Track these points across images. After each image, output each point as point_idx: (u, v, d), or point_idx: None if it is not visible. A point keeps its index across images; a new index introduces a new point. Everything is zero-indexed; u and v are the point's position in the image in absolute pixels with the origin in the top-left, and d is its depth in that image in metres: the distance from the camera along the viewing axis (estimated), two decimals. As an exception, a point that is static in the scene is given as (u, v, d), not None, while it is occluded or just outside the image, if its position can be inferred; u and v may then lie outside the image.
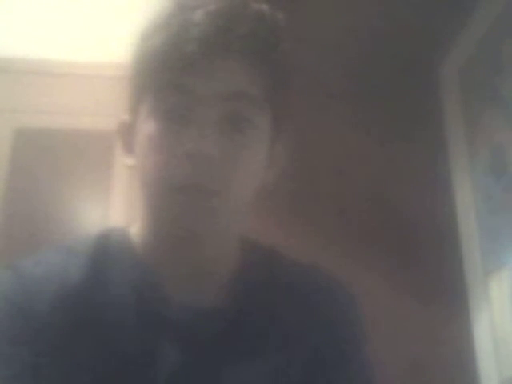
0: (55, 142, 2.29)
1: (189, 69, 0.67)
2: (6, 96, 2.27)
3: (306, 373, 0.72)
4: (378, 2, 1.53)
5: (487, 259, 1.50)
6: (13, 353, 0.67)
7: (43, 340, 0.67)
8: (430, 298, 1.53)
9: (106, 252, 0.74)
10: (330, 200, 1.64)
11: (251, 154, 0.70)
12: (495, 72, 1.49)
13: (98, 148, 2.20)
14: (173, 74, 0.68)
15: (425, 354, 1.50)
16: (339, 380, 0.74)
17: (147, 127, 0.69)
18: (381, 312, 1.40)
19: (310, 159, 1.65)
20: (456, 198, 1.65)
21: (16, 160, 2.27)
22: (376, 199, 1.64)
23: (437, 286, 1.54)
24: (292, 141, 0.81)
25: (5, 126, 2.28)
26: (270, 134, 0.73)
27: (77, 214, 2.29)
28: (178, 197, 0.66)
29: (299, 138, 1.64)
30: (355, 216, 1.63)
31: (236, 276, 0.74)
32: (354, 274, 1.41)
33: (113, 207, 2.18)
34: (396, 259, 1.57)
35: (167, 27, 0.69)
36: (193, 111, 0.67)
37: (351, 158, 1.68)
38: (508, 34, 1.45)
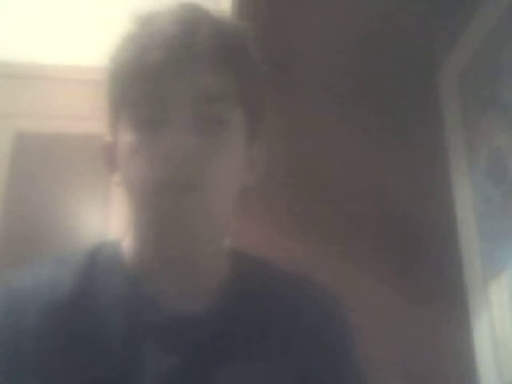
0: (55, 146, 2.30)
1: (158, 76, 0.70)
2: (6, 100, 2.28)
3: (296, 379, 0.73)
4: (377, 5, 1.53)
5: (487, 264, 1.49)
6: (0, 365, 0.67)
7: (30, 352, 0.67)
8: (429, 303, 1.53)
9: (97, 264, 0.75)
10: (328, 202, 1.64)
11: (226, 150, 0.72)
12: (495, 76, 1.49)
13: (98, 153, 2.20)
14: (143, 84, 0.70)
15: (424, 358, 1.49)
16: None
17: (126, 137, 0.71)
18: (379, 316, 1.40)
19: (309, 163, 1.65)
20: (455, 202, 1.65)
21: (16, 164, 2.27)
22: (375, 203, 1.64)
23: (436, 291, 1.54)
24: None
25: (5, 130, 2.29)
26: (244, 132, 0.75)
27: (76, 218, 2.29)
28: (160, 197, 0.68)
29: (298, 140, 1.65)
30: (354, 219, 1.63)
31: (226, 285, 0.75)
32: (352, 278, 1.42)
33: (112, 211, 2.18)
34: (395, 264, 1.57)
35: (134, 40, 0.73)
36: (167, 116, 0.69)
37: (350, 161, 1.68)
38: (508, 39, 1.45)
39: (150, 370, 0.68)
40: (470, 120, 1.62)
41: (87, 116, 2.27)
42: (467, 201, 1.60)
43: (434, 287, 1.55)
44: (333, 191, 1.65)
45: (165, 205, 0.68)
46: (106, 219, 2.20)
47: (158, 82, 0.70)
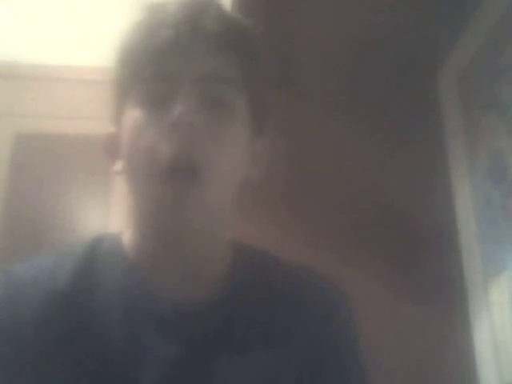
0: (55, 146, 2.30)
1: (166, 55, 0.71)
2: (7, 101, 2.28)
3: (299, 372, 0.73)
4: (377, 6, 1.53)
5: (487, 264, 1.49)
6: None
7: (29, 343, 0.68)
8: (429, 303, 1.53)
9: (97, 256, 0.75)
10: (328, 203, 1.64)
11: (231, 133, 0.72)
12: (495, 77, 1.49)
13: (98, 152, 2.20)
14: (152, 62, 0.71)
15: (424, 359, 1.49)
16: (332, 379, 0.74)
17: (132, 116, 0.71)
18: (379, 317, 1.40)
19: (309, 162, 1.65)
20: (456, 203, 1.65)
21: (16, 165, 2.27)
22: (375, 203, 1.64)
23: (436, 291, 1.54)
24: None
25: (5, 131, 2.29)
26: (249, 120, 0.75)
27: (77, 217, 2.29)
28: (165, 175, 0.67)
29: (298, 140, 1.65)
30: (354, 220, 1.63)
31: (227, 275, 0.75)
32: (352, 278, 1.41)
33: (112, 211, 2.18)
34: (395, 263, 1.57)
35: (144, 23, 0.74)
36: (174, 95, 0.70)
37: (350, 162, 1.68)
38: (508, 39, 1.45)
39: (151, 360, 0.68)
40: (470, 121, 1.62)
41: (87, 116, 2.27)
42: (467, 201, 1.60)
43: (434, 287, 1.55)
44: (333, 192, 1.65)
45: (166, 187, 0.67)
46: (105, 219, 2.21)
47: (166, 60, 0.71)
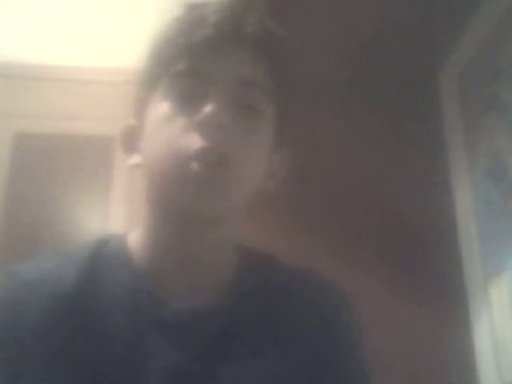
0: (55, 146, 2.30)
1: (204, 52, 0.71)
2: (7, 100, 2.28)
3: (302, 375, 0.73)
4: (377, 5, 1.53)
5: (487, 264, 1.49)
6: (1, 357, 0.68)
7: (32, 345, 0.67)
8: (429, 303, 1.53)
9: (102, 258, 0.75)
10: (328, 204, 1.64)
11: (257, 137, 0.72)
12: (495, 77, 1.50)
13: (98, 153, 2.21)
14: (188, 58, 0.71)
15: (424, 358, 1.49)
16: (334, 380, 0.74)
17: (160, 107, 0.71)
18: (380, 317, 1.40)
19: (309, 163, 1.65)
20: (456, 203, 1.65)
21: (16, 164, 2.27)
22: (376, 204, 1.64)
23: (437, 291, 1.54)
24: (291, 149, 0.82)
25: (5, 131, 2.28)
26: (274, 130, 0.75)
27: (76, 218, 2.29)
28: (191, 162, 0.67)
29: (298, 141, 1.65)
30: (354, 221, 1.63)
31: (232, 279, 0.75)
32: (353, 278, 1.41)
33: (112, 211, 2.18)
34: (396, 264, 1.57)
35: (183, 19, 0.73)
36: (206, 92, 0.70)
37: (350, 162, 1.68)
38: (508, 39, 1.45)
39: (154, 364, 0.67)
40: (470, 121, 1.63)
41: (87, 116, 2.27)
42: (467, 201, 1.60)
43: (435, 288, 1.55)
44: (333, 193, 1.65)
45: (192, 171, 0.67)
46: (105, 219, 2.21)
47: (203, 57, 0.70)
